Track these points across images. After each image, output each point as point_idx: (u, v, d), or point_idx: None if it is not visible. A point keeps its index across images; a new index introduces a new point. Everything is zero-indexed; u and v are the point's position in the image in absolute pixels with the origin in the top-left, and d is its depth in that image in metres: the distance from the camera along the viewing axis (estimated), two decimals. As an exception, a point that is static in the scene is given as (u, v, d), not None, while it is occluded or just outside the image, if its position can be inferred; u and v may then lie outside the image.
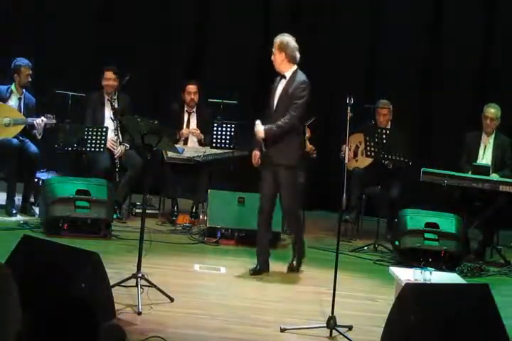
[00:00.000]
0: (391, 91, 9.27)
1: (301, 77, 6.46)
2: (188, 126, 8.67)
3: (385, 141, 7.72)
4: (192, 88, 8.54)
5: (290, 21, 9.92)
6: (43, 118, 8.03)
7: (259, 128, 6.45)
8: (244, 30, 9.88)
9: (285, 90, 6.42)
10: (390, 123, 8.39)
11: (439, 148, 9.47)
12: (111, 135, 8.23)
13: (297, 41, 6.52)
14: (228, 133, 8.25)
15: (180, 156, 8.01)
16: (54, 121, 8.08)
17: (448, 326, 4.36)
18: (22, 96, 8.25)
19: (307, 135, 8.46)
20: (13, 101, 8.21)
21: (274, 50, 6.45)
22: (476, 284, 5.52)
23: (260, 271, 6.57)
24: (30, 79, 8.18)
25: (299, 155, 6.66)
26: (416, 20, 9.76)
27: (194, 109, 8.68)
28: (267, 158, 6.50)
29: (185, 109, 8.64)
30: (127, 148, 8.25)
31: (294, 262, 6.76)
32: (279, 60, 6.45)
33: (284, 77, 6.46)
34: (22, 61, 8.18)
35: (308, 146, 8.46)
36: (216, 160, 8.48)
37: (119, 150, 8.21)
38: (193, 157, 8.30)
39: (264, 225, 6.67)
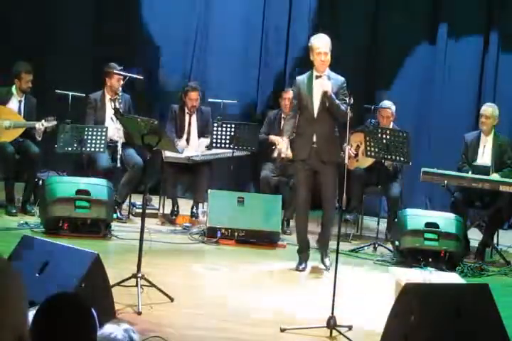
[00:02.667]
0: (391, 91, 9.28)
1: (339, 76, 6.63)
2: (189, 127, 8.67)
3: (385, 141, 7.72)
4: (194, 95, 8.52)
5: (289, 20, 9.94)
6: (43, 122, 8.02)
7: (328, 83, 6.50)
8: (244, 30, 9.89)
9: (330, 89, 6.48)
10: (391, 123, 8.40)
11: (439, 148, 9.48)
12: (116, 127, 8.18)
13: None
14: (228, 133, 8.24)
15: (179, 156, 8.00)
16: (55, 122, 8.07)
17: (448, 326, 4.36)
18: (22, 99, 8.24)
19: None
20: (13, 104, 8.20)
21: (328, 50, 6.50)
22: (476, 284, 5.51)
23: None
24: (30, 85, 8.16)
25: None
26: (415, 20, 9.77)
27: (194, 110, 8.68)
28: (315, 153, 6.60)
29: (186, 111, 8.64)
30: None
31: (326, 259, 6.87)
32: (329, 59, 6.56)
33: (319, 77, 6.53)
34: (22, 66, 8.15)
35: None
36: (215, 160, 8.49)
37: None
38: (191, 156, 8.30)
39: (306, 214, 6.89)
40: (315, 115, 6.56)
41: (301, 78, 6.69)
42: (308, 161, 6.61)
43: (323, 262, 6.87)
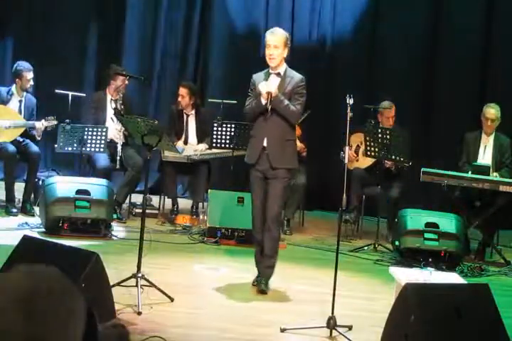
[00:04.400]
0: (391, 91, 9.28)
1: (297, 74, 6.05)
2: (186, 128, 8.67)
3: (385, 141, 7.72)
4: (182, 91, 8.53)
5: (289, 21, 9.94)
6: (43, 121, 8.03)
7: (274, 83, 5.92)
8: (244, 30, 9.89)
9: (283, 88, 5.93)
10: (391, 123, 8.39)
11: (439, 148, 9.48)
12: (116, 127, 8.19)
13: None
14: (228, 133, 8.25)
15: (177, 155, 8.00)
16: (55, 122, 8.07)
17: (448, 326, 4.36)
18: (23, 99, 8.24)
19: (298, 134, 8.44)
20: (13, 104, 8.20)
21: (278, 44, 5.92)
22: (476, 284, 5.51)
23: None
24: (32, 83, 8.17)
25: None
26: (416, 20, 9.78)
27: (193, 111, 8.68)
28: (265, 158, 5.96)
29: (184, 111, 8.65)
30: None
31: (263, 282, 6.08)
32: (281, 55, 5.96)
33: (278, 74, 5.99)
34: (23, 65, 8.15)
35: (299, 145, 8.41)
36: (215, 159, 8.49)
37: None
38: (190, 155, 8.30)
39: (262, 228, 6.11)
40: (268, 115, 5.93)
41: (258, 76, 6.07)
42: (258, 167, 5.98)
43: (260, 289, 6.04)
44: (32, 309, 1.49)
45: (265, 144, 5.95)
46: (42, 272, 1.56)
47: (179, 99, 8.54)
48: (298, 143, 8.39)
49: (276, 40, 5.92)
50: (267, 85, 5.87)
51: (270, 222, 5.97)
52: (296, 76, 6.01)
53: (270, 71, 6.00)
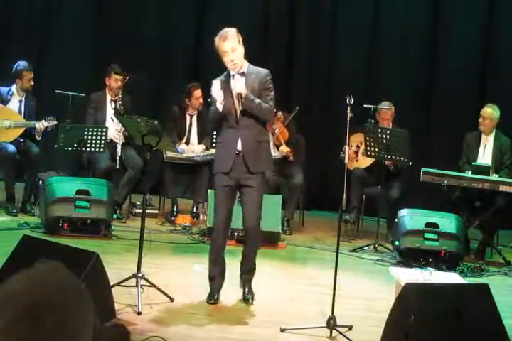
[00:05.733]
0: (391, 91, 9.28)
1: (260, 69, 5.63)
2: (190, 128, 8.67)
3: (385, 141, 7.72)
4: (198, 93, 8.50)
5: (289, 21, 9.94)
6: (43, 122, 8.03)
7: (241, 83, 5.49)
8: (244, 30, 9.88)
9: (250, 87, 5.51)
10: (391, 123, 8.40)
11: (439, 148, 9.48)
12: (116, 128, 8.19)
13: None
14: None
15: (180, 156, 8.02)
16: (55, 122, 8.08)
17: (448, 326, 4.36)
18: (23, 99, 8.24)
19: (285, 138, 8.42)
20: (13, 104, 8.21)
21: (235, 45, 5.47)
22: (476, 284, 5.51)
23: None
24: (32, 83, 8.17)
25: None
26: (415, 20, 9.78)
27: (195, 112, 8.68)
28: (240, 163, 5.55)
29: (187, 111, 8.64)
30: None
31: (248, 295, 5.79)
32: (241, 54, 5.52)
33: (242, 74, 5.54)
34: (24, 65, 8.16)
35: (285, 150, 8.37)
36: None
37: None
38: (192, 157, 8.31)
39: (225, 238, 5.87)
40: (237, 119, 5.53)
41: (218, 80, 5.61)
42: (231, 174, 5.55)
43: (244, 298, 5.76)
44: (42, 321, 1.44)
45: (239, 148, 5.54)
46: (50, 280, 1.51)
47: (199, 101, 8.49)
48: (284, 147, 8.39)
49: (231, 43, 5.47)
50: (234, 87, 5.46)
51: (253, 232, 5.68)
52: (261, 71, 5.61)
53: (233, 73, 5.52)
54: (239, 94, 5.48)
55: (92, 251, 4.83)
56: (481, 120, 7.96)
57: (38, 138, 8.12)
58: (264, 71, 5.62)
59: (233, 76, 5.52)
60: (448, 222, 7.35)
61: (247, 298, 5.73)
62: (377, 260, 7.41)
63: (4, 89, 8.23)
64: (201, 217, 8.37)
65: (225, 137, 5.64)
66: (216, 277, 5.72)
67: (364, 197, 8.36)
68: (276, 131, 8.35)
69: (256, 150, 5.58)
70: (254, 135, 5.57)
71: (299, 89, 9.98)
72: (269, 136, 5.96)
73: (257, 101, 5.49)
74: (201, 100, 8.52)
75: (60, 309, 1.46)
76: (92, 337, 1.53)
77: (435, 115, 9.80)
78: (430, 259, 7.13)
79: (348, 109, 5.43)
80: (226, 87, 5.50)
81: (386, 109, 8.32)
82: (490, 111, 7.93)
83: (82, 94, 8.56)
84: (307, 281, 6.52)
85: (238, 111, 5.52)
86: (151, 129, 5.65)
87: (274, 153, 6.72)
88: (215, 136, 8.31)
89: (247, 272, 5.82)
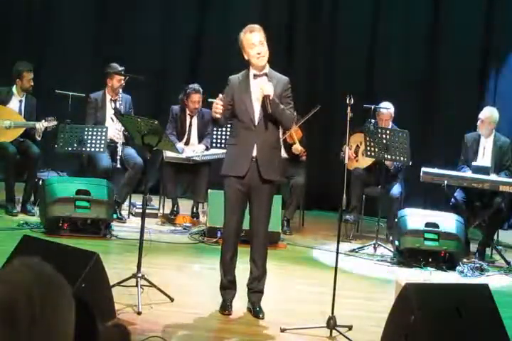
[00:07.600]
0: (391, 91, 9.29)
1: (281, 75, 5.45)
2: (189, 128, 8.67)
3: (385, 141, 7.72)
4: (196, 97, 8.50)
5: (289, 21, 9.94)
6: (43, 122, 8.03)
7: (270, 85, 5.29)
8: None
9: (274, 91, 5.30)
10: (391, 123, 8.40)
11: (439, 148, 9.49)
12: (116, 127, 8.19)
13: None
14: (229, 133, 8.24)
15: (180, 156, 8.02)
16: (55, 122, 8.08)
17: (448, 326, 4.36)
18: (23, 99, 8.24)
19: (299, 136, 8.44)
20: (13, 104, 8.21)
21: (263, 40, 5.33)
22: (476, 284, 5.51)
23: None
24: (32, 84, 8.17)
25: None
26: (415, 20, 9.79)
27: (196, 112, 8.68)
28: (254, 169, 5.34)
29: (187, 112, 8.64)
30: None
31: (258, 309, 5.49)
32: (267, 51, 5.35)
33: (257, 76, 5.36)
34: (24, 65, 8.15)
35: (299, 149, 8.41)
36: (215, 160, 8.49)
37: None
38: (192, 156, 8.31)
39: (235, 247, 5.60)
40: (256, 122, 5.30)
41: (235, 77, 5.45)
42: (244, 180, 5.33)
43: (255, 314, 5.45)
44: (36, 298, 1.53)
45: (254, 154, 5.32)
46: (37, 264, 1.65)
47: (194, 105, 8.50)
48: (298, 145, 8.40)
49: (261, 36, 5.31)
50: (262, 88, 5.25)
51: (263, 237, 5.45)
52: (283, 78, 5.43)
53: (254, 72, 5.36)
54: (266, 97, 5.23)
55: (92, 251, 4.83)
56: (479, 123, 7.94)
57: (38, 138, 8.12)
58: (285, 78, 5.43)
59: (255, 76, 5.36)
60: (448, 222, 7.35)
61: (258, 314, 5.42)
62: (377, 260, 7.41)
63: (4, 89, 8.23)
64: (201, 217, 8.38)
65: (240, 140, 5.39)
66: (229, 287, 5.54)
67: (364, 197, 8.37)
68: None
69: (270, 157, 5.37)
70: (270, 141, 5.38)
71: (299, 89, 9.97)
72: (281, 143, 5.80)
73: (282, 106, 5.30)
74: (197, 105, 8.52)
75: (35, 307, 1.51)
76: (73, 334, 1.56)
77: (435, 115, 9.80)
78: (430, 259, 7.13)
79: (348, 109, 5.43)
80: (244, 88, 5.35)
81: (386, 109, 8.32)
82: (486, 113, 7.91)
83: (82, 94, 8.57)
84: (307, 281, 6.52)
85: (257, 114, 5.32)
86: (151, 129, 5.65)
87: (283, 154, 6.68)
88: (215, 136, 8.33)
89: (257, 293, 5.51)
